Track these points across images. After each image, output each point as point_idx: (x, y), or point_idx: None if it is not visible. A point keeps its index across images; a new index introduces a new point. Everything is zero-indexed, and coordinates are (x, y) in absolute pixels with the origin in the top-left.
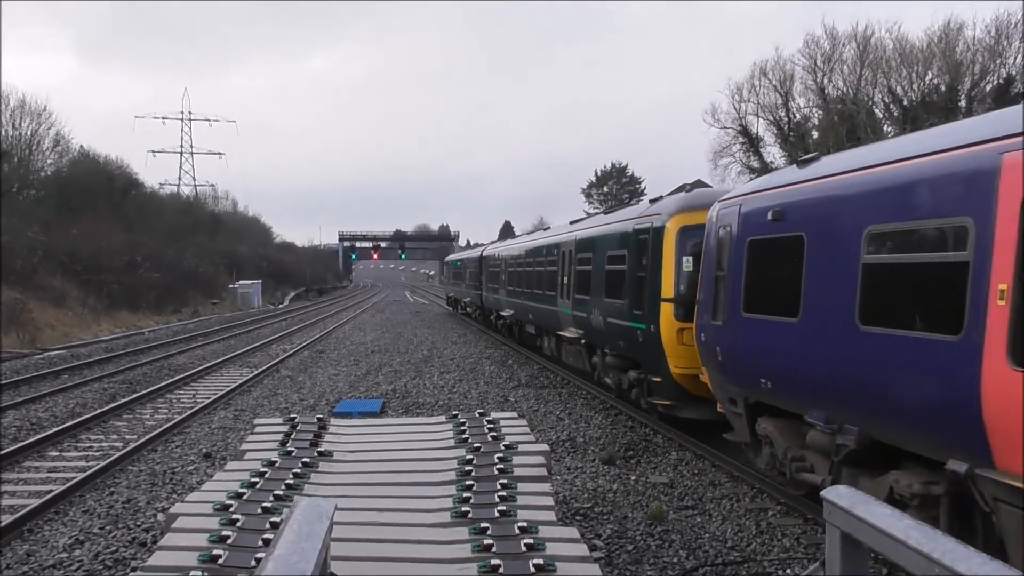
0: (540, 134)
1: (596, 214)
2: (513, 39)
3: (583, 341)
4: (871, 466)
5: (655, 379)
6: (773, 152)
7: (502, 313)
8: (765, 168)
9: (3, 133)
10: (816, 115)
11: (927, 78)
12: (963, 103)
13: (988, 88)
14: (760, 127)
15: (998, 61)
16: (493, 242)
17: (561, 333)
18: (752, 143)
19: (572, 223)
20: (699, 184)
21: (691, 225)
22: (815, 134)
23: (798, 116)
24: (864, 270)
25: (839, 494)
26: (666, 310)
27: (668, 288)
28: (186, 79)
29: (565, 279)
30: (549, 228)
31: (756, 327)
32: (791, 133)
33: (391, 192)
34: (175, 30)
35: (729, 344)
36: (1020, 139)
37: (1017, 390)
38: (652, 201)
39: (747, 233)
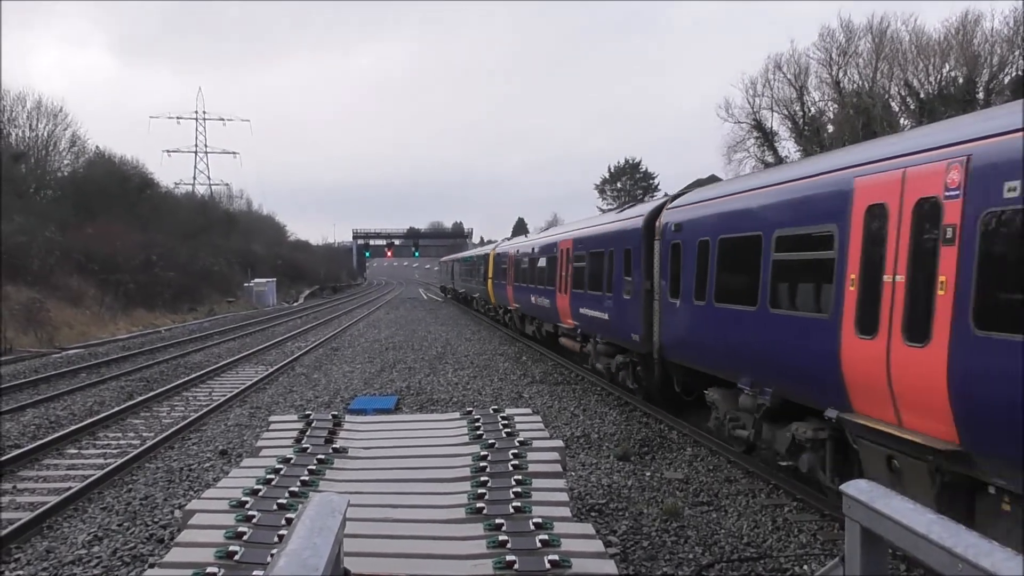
0: (563, 131)
1: (488, 243)
2: (545, 38)
3: (479, 297)
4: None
5: (488, 304)
6: (788, 146)
7: (459, 291)
8: (779, 161)
9: (21, 134)
10: (831, 109)
11: (944, 70)
12: (981, 95)
13: (1007, 80)
14: (775, 121)
15: (1017, 52)
16: (469, 247)
17: (474, 296)
18: (767, 138)
19: (481, 244)
20: (713, 179)
21: (498, 252)
22: (830, 128)
23: (813, 110)
24: (515, 269)
25: (859, 488)
26: (488, 282)
27: (489, 275)
28: (214, 78)
29: (472, 271)
30: (485, 244)
31: (499, 286)
32: (806, 127)
33: (406, 190)
34: (206, 30)
35: (496, 291)
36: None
37: None
38: (498, 243)
39: (503, 258)
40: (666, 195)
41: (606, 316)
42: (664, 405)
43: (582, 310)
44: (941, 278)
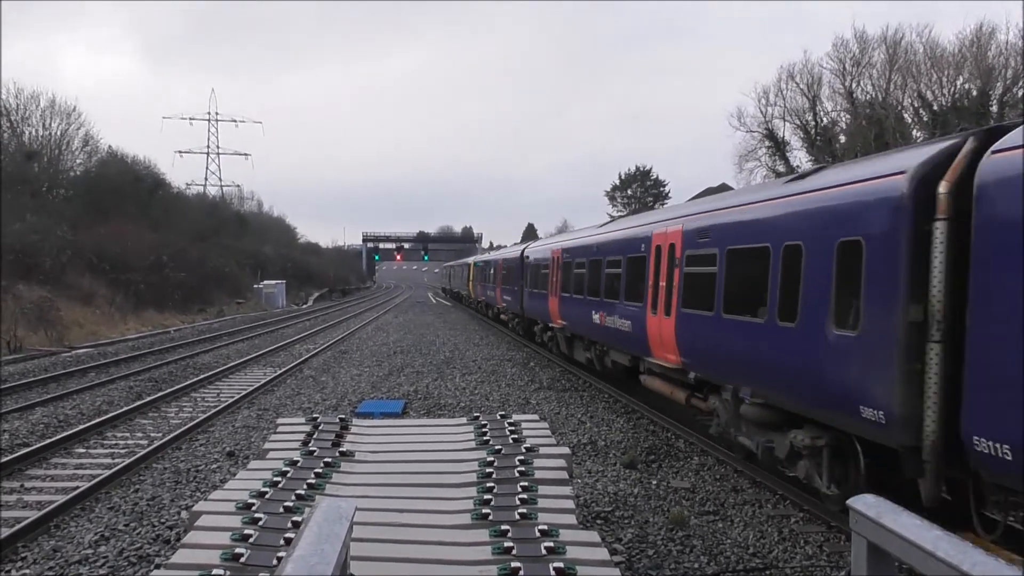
0: (574, 135)
1: (497, 248)
2: (560, 41)
3: (465, 295)
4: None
5: (471, 299)
6: (800, 156)
7: (454, 290)
8: (791, 170)
9: (34, 132)
10: (844, 119)
11: (958, 82)
12: (995, 108)
13: (1020, 93)
14: (787, 131)
15: None
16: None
17: (462, 294)
18: (778, 147)
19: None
20: (724, 187)
21: (476, 262)
22: (842, 138)
23: (825, 120)
24: (481, 273)
25: (866, 503)
26: (470, 283)
27: (471, 280)
28: (228, 81)
29: (462, 275)
30: (474, 254)
31: (475, 286)
32: (818, 137)
33: (417, 191)
34: (225, 35)
35: (474, 289)
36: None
37: None
38: (476, 256)
39: (478, 265)
40: (538, 237)
41: (511, 299)
42: (528, 338)
43: (504, 297)
44: (555, 279)
